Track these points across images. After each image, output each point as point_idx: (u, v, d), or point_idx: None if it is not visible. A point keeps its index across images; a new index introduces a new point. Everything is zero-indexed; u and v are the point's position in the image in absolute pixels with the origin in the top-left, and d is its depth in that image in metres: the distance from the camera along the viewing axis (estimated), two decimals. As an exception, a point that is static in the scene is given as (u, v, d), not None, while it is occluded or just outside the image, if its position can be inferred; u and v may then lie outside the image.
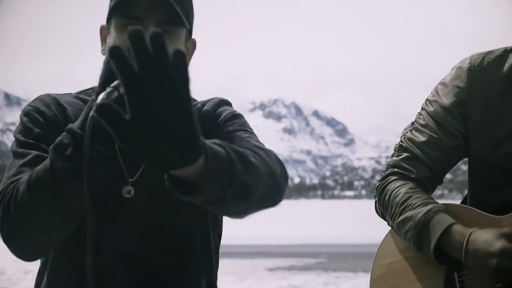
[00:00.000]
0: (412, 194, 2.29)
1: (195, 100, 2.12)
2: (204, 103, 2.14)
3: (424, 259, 2.28)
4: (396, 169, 2.40)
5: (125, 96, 1.20)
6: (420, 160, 2.35)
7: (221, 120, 2.07)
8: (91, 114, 1.50)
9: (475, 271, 2.16)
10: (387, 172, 2.43)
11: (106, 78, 1.61)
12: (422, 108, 2.42)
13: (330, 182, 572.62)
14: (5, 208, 1.75)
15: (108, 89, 1.53)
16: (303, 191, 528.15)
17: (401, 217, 2.28)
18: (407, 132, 2.42)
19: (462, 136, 2.34)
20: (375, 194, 2.45)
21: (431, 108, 2.37)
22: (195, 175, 1.36)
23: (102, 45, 2.07)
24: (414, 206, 2.25)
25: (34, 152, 1.89)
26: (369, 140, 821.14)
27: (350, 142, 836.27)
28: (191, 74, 1.22)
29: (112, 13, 1.97)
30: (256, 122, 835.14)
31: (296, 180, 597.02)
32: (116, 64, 1.18)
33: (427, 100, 2.42)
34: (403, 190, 2.31)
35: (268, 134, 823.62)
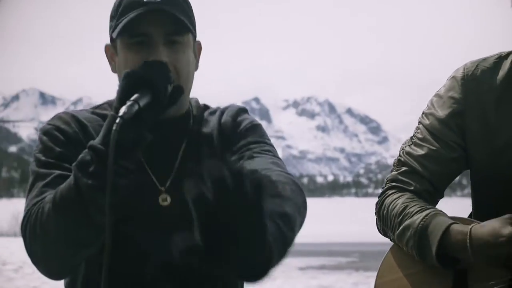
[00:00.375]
0: (409, 203, 2.24)
1: (214, 108, 2.19)
2: (223, 111, 2.16)
3: (428, 276, 2.23)
4: (394, 183, 2.35)
5: (199, 227, 1.31)
6: (419, 174, 2.30)
7: (241, 129, 2.10)
8: (114, 128, 1.61)
9: (483, 270, 2.10)
10: (386, 187, 2.39)
11: (123, 94, 1.70)
12: (419, 122, 2.38)
13: (363, 180, 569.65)
14: (31, 229, 1.76)
15: (128, 103, 1.64)
16: (337, 189, 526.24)
17: (400, 228, 2.24)
18: (405, 147, 2.38)
19: (460, 147, 2.29)
20: (375, 211, 2.40)
21: (427, 121, 2.32)
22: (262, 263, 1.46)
23: (110, 64, 2.07)
24: (412, 213, 2.21)
25: (56, 172, 1.87)
26: (403, 138, 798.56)
27: (384, 140, 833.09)
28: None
29: (118, 34, 1.94)
30: (290, 120, 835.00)
31: (330, 178, 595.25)
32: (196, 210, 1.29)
33: (423, 113, 2.38)
34: (400, 201, 2.27)
35: (302, 132, 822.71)
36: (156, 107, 1.74)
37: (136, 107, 1.65)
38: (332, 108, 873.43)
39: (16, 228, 30.65)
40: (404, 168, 2.33)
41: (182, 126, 2.06)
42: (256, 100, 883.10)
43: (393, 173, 2.38)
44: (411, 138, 2.38)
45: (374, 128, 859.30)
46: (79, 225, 1.70)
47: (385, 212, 2.32)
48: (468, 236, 2.08)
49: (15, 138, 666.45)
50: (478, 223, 2.10)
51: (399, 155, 2.38)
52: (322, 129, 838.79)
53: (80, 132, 1.98)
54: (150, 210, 1.93)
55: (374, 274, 15.74)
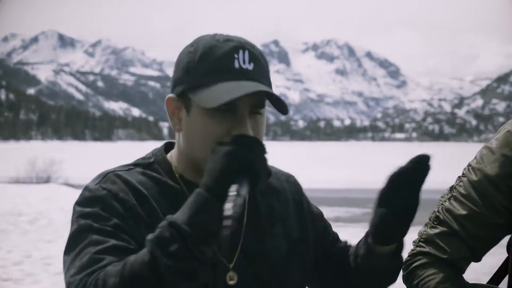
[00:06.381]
0: None
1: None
2: (278, 176, 2.08)
3: None
4: (427, 248, 2.17)
5: None
6: (458, 236, 2.12)
7: (308, 207, 2.09)
8: (226, 234, 1.54)
9: None
10: (418, 249, 2.20)
11: (224, 176, 1.59)
12: (464, 175, 2.17)
13: (381, 124, 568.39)
14: None
15: (238, 199, 1.54)
16: (354, 133, 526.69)
17: None
18: (445, 201, 2.19)
19: (508, 212, 2.09)
20: (403, 267, 2.13)
21: (474, 177, 2.12)
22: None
23: (171, 119, 1.86)
24: None
25: (112, 241, 1.68)
26: (422, 82, 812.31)
27: (402, 84, 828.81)
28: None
29: (202, 101, 1.74)
30: (308, 63, 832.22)
31: (347, 121, 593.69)
32: None
33: (469, 166, 2.17)
34: (432, 283, 2.10)
35: (320, 75, 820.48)
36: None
37: (241, 200, 1.56)
38: (351, 52, 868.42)
39: (32, 174, 30.87)
40: (442, 229, 2.16)
41: None
42: (275, 43, 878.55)
43: (428, 231, 2.20)
44: (451, 189, 2.21)
45: (393, 72, 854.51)
46: None
47: (414, 284, 2.17)
48: None
49: (33, 81, 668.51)
50: None
51: (438, 211, 2.20)
52: (341, 72, 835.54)
53: (139, 203, 1.78)
54: None
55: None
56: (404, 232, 1.85)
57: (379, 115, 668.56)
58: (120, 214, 1.73)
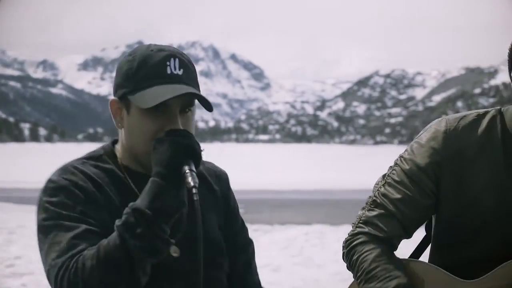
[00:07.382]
0: (379, 264, 2.34)
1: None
2: (216, 173, 2.41)
3: None
4: (367, 228, 2.44)
5: None
6: (394, 218, 2.41)
7: (233, 206, 2.40)
8: (195, 199, 1.86)
9: None
10: (357, 229, 2.47)
11: (173, 161, 1.92)
12: (396, 164, 2.48)
13: (245, 126, 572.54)
14: (70, 283, 1.85)
15: (193, 173, 1.90)
16: (218, 134, 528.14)
17: (367, 286, 2.34)
18: (380, 187, 2.47)
19: (434, 195, 2.42)
20: (343, 245, 2.50)
21: (406, 166, 2.43)
22: None
23: (114, 118, 2.14)
24: (381, 278, 2.31)
25: (83, 226, 1.94)
26: (285, 85, 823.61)
27: (266, 86, 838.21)
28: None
29: (140, 103, 2.03)
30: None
31: (211, 123, 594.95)
32: None
33: (401, 157, 2.48)
34: (370, 257, 2.36)
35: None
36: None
37: (195, 173, 1.89)
38: (216, 54, 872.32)
39: None
40: (379, 211, 2.43)
41: None
42: (140, 43, 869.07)
43: (366, 213, 2.47)
44: (384, 177, 2.49)
45: (257, 75, 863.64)
46: (124, 283, 1.86)
47: (354, 259, 2.42)
48: None
49: None
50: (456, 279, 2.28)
51: (374, 196, 2.47)
52: (206, 74, 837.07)
53: (97, 191, 2.06)
54: (168, 262, 2.03)
55: (261, 227, 15.90)
56: None
57: (243, 117, 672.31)
58: (82, 200, 2.00)
